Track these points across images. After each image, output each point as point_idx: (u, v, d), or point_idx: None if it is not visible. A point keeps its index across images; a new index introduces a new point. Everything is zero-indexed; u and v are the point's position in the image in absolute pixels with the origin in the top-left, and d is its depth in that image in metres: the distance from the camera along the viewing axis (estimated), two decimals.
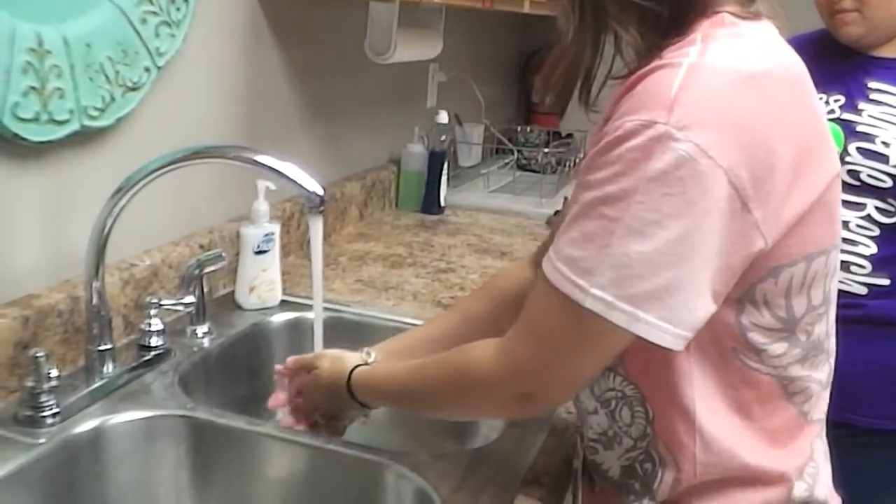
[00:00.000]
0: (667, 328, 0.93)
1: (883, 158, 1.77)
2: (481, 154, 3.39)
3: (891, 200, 1.78)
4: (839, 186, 1.06)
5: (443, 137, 2.74)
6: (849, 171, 1.78)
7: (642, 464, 1.12)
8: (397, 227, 2.56)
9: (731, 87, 0.94)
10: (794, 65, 1.05)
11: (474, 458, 1.31)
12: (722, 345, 1.03)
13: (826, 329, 1.09)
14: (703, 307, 0.95)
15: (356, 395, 1.28)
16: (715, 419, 1.05)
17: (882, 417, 1.78)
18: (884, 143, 1.77)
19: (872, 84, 1.82)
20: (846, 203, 1.74)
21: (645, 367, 1.07)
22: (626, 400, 1.11)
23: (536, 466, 1.27)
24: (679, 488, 1.09)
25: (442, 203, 2.76)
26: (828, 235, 1.04)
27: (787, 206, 0.96)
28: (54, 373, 1.26)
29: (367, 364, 1.32)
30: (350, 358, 1.34)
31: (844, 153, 1.79)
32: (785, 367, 1.06)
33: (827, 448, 1.18)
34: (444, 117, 2.77)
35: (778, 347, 1.04)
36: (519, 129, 3.68)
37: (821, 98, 1.82)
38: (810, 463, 1.11)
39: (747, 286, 1.00)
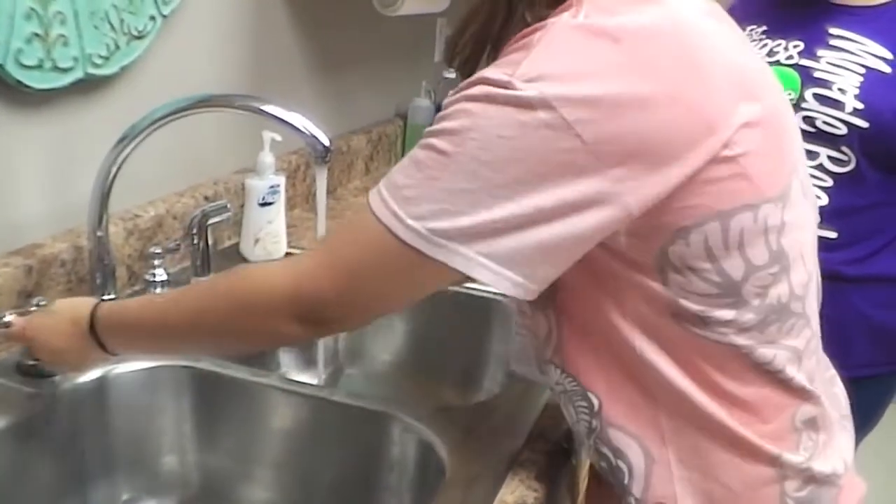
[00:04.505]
0: (488, 264, 0.89)
1: (838, 105, 1.75)
2: None
3: (844, 149, 1.77)
4: (753, 138, 0.93)
5: (450, 92, 2.71)
6: (804, 118, 1.76)
7: (599, 462, 1.08)
8: None
9: (587, 43, 0.89)
10: (685, 21, 0.95)
11: (479, 411, 1.31)
12: (661, 314, 0.97)
13: (789, 290, 0.99)
14: (537, 258, 0.91)
15: (100, 332, 1.12)
16: (675, 393, 0.99)
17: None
18: (840, 89, 1.75)
19: (833, 30, 1.80)
20: None
21: (582, 354, 1.02)
22: (569, 395, 1.06)
23: (542, 420, 1.27)
24: (652, 469, 1.02)
25: None
26: (746, 189, 0.93)
27: (660, 166, 0.88)
28: None
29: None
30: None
31: (801, 100, 1.77)
32: (737, 334, 0.97)
33: (841, 422, 1.12)
34: (451, 72, 2.74)
35: (724, 314, 0.96)
36: None
37: (779, 44, 1.83)
38: (807, 434, 1.04)
39: (656, 251, 0.93)
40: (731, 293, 0.96)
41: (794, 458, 1.01)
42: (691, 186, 0.90)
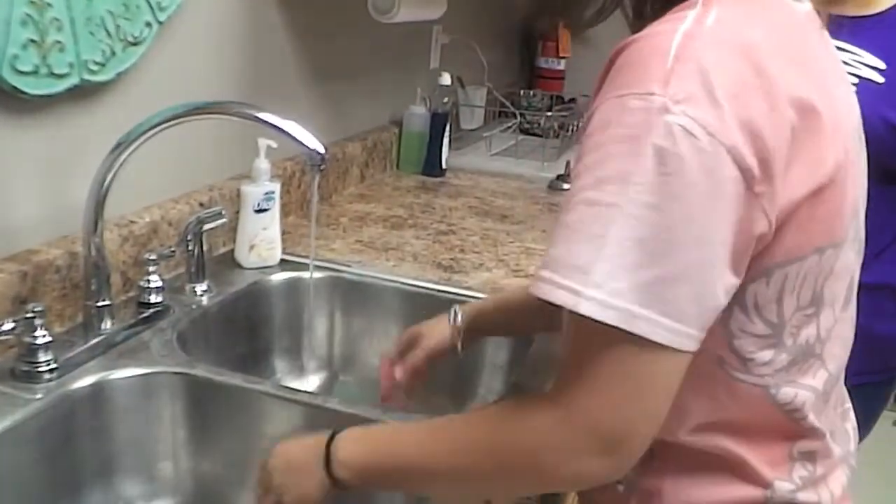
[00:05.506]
0: (669, 325, 0.82)
1: None
2: (483, 117, 3.38)
3: None
4: (847, 178, 0.94)
5: (445, 99, 2.73)
6: None
7: None
8: (398, 188, 2.55)
9: (730, 59, 0.84)
10: (802, 30, 0.97)
11: None
12: (707, 355, 0.92)
13: (816, 333, 0.98)
14: (712, 301, 0.85)
15: (335, 457, 1.03)
16: (688, 423, 0.98)
17: None
18: None
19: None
20: None
21: None
22: None
23: None
24: (650, 463, 1.00)
25: (443, 165, 2.74)
26: (826, 231, 0.93)
27: (786, 191, 0.86)
28: (53, 328, 1.26)
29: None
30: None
31: None
32: (772, 375, 0.96)
33: (844, 458, 1.10)
34: (446, 79, 2.75)
35: (765, 355, 0.95)
36: (522, 92, 3.67)
37: None
38: (801, 465, 1.03)
39: (739, 287, 0.89)
40: (777, 332, 0.95)
41: (785, 485, 1.01)
42: (797, 220, 0.88)
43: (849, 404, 1.17)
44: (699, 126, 0.81)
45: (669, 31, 0.86)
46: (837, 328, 1.02)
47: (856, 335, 1.91)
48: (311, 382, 1.75)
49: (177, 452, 1.38)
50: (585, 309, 0.81)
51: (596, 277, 0.81)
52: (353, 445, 1.03)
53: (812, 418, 1.01)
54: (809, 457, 1.03)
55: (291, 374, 1.76)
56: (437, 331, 1.44)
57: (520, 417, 0.90)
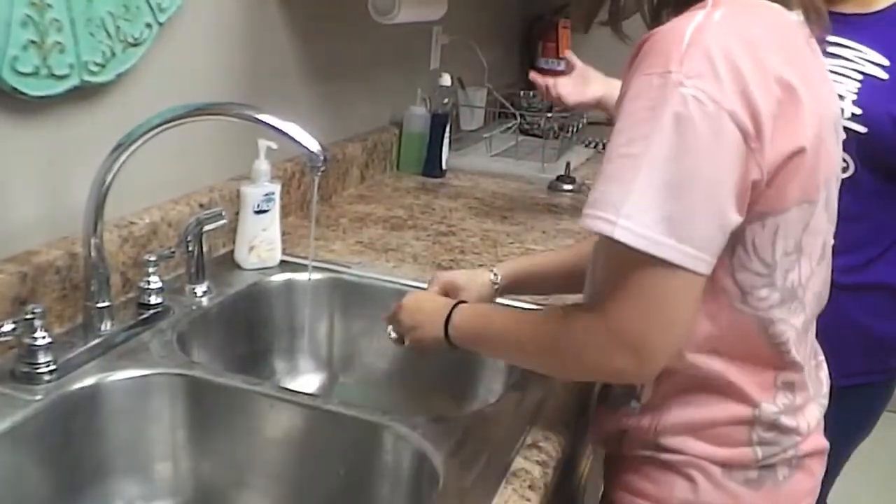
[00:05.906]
0: (685, 249, 1.02)
1: None
2: (484, 118, 3.38)
3: (843, 154, 1.77)
4: (821, 151, 1.13)
5: (445, 100, 2.73)
6: None
7: None
8: (398, 189, 2.55)
9: (731, 45, 1.04)
10: (792, 34, 1.17)
11: (473, 420, 1.31)
12: (714, 283, 1.11)
13: (798, 278, 1.18)
14: (719, 232, 1.05)
15: (452, 319, 1.33)
16: (693, 353, 1.16)
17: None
18: (839, 95, 1.76)
19: (831, 38, 1.81)
20: None
21: None
22: None
23: (535, 430, 1.27)
24: (658, 389, 1.21)
25: (443, 166, 2.74)
26: (805, 190, 1.12)
27: (773, 150, 1.06)
28: (53, 329, 1.25)
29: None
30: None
31: None
32: (766, 311, 1.16)
33: (816, 399, 1.28)
34: (446, 80, 2.75)
35: (762, 292, 1.15)
36: (522, 93, 3.66)
37: None
38: (783, 393, 1.21)
39: (740, 229, 1.09)
40: (771, 272, 1.14)
41: (769, 407, 1.20)
42: (783, 173, 1.08)
43: (822, 357, 1.35)
44: (706, 96, 1.01)
45: (684, 24, 1.06)
46: (813, 280, 1.21)
47: (856, 335, 1.91)
48: (310, 384, 1.75)
49: (176, 453, 1.38)
50: (619, 235, 1.02)
51: (626, 210, 1.02)
52: (466, 312, 1.34)
53: (794, 353, 1.20)
54: (790, 387, 1.22)
55: (291, 375, 1.76)
56: (475, 288, 1.55)
57: (570, 321, 1.15)
